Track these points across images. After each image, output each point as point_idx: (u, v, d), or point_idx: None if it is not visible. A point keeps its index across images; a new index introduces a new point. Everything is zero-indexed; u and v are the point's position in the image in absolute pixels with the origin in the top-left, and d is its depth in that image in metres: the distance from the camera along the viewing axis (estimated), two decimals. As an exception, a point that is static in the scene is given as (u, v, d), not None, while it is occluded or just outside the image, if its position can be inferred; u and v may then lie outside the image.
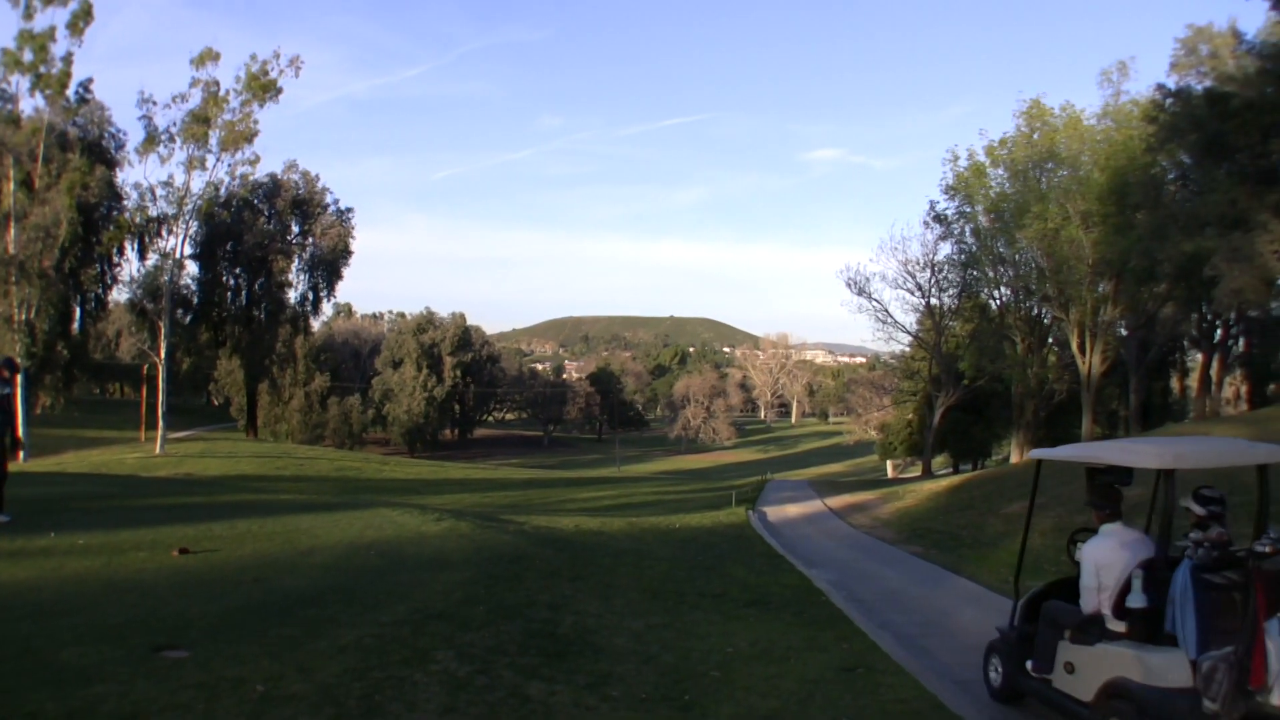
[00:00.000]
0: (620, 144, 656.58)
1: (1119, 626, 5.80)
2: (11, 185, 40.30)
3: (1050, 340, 45.04)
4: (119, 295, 53.83)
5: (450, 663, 6.21)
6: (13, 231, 40.33)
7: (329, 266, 63.14)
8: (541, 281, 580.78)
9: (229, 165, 45.45)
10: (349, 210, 65.03)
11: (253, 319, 60.27)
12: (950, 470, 49.61)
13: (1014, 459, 43.19)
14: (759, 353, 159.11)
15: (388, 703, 5.32)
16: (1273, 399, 40.80)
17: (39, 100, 40.96)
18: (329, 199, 64.07)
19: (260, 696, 5.12)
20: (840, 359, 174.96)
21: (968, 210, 44.06)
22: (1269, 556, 5.16)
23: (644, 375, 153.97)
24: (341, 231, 63.32)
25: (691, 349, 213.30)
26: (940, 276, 47.71)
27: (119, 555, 8.91)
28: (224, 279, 59.64)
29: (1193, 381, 45.12)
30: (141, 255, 49.29)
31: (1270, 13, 26.09)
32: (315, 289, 63.98)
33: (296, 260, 61.60)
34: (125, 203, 47.79)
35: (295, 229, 62.54)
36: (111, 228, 46.69)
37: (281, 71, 44.36)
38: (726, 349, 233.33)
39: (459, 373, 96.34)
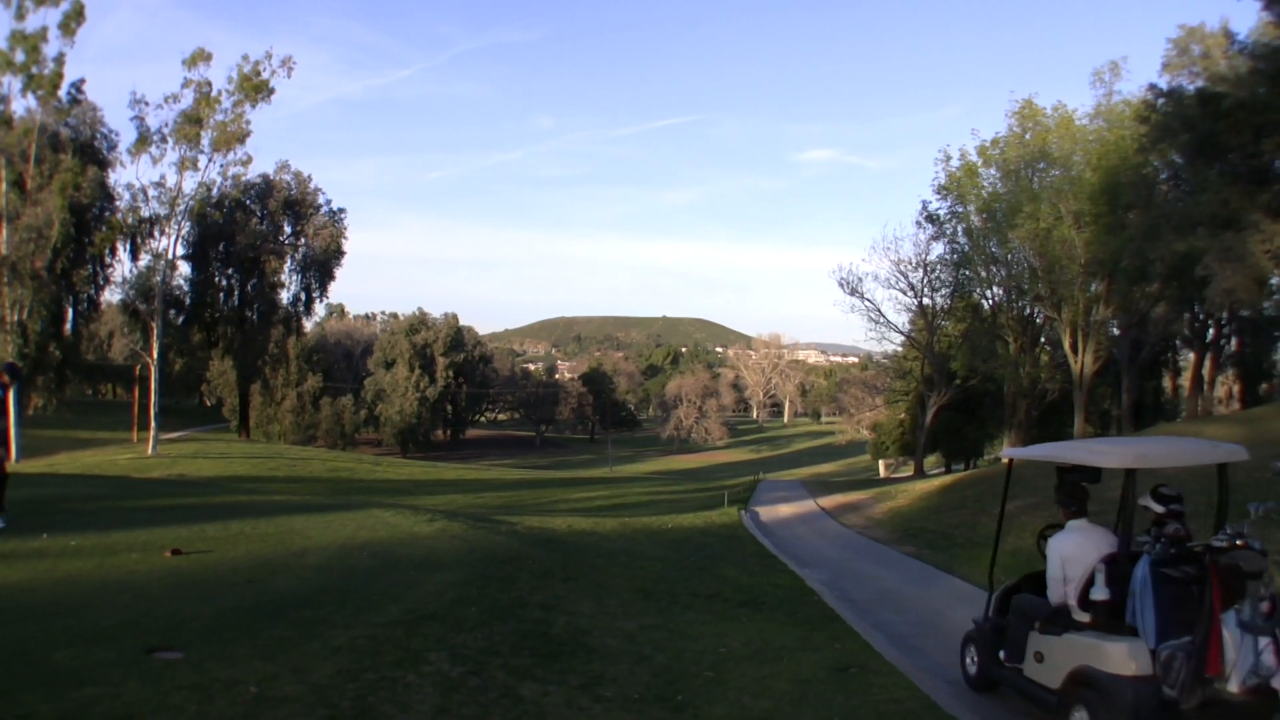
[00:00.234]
0: (613, 144, 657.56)
1: (1084, 618, 6.04)
2: (3, 186, 40.21)
3: (1043, 340, 45.20)
4: (111, 296, 53.50)
5: (443, 663, 6.22)
6: (4, 232, 40.20)
7: (321, 267, 62.87)
8: (534, 282, 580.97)
9: (221, 166, 45.52)
10: (341, 211, 64.70)
11: (245, 320, 60.00)
12: (942, 470, 49.68)
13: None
14: (751, 353, 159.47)
15: (381, 704, 5.32)
16: (1265, 398, 41.05)
17: (31, 101, 40.77)
18: (321, 200, 63.71)
19: (253, 698, 5.12)
20: (833, 359, 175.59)
21: (960, 210, 44.18)
22: (1225, 551, 5.38)
23: (636, 375, 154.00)
24: (334, 232, 63.03)
25: (684, 349, 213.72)
26: (933, 276, 47.75)
27: (112, 557, 8.90)
28: (216, 280, 59.30)
29: (1185, 381, 45.33)
30: (134, 256, 49.01)
31: (1262, 13, 26.23)
32: (308, 290, 63.61)
33: (289, 261, 61.27)
34: (117, 203, 47.62)
35: (288, 230, 62.21)
36: (104, 228, 46.40)
37: (274, 72, 44.38)
38: (719, 349, 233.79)
39: (451, 373, 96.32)
